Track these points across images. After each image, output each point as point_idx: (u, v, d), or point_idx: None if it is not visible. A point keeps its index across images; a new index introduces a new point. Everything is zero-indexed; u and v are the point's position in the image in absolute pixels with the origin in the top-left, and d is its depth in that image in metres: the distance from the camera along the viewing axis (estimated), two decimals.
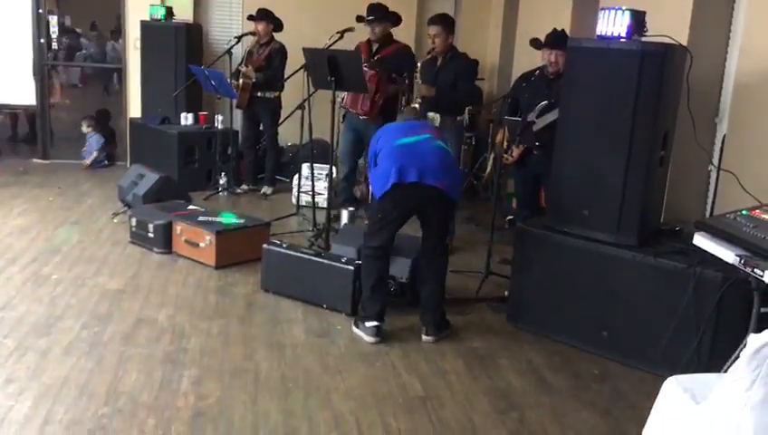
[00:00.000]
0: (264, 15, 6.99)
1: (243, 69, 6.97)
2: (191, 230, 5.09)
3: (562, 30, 5.35)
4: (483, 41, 8.77)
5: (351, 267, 4.23)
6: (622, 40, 3.65)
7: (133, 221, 5.40)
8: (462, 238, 5.86)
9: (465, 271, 5.06)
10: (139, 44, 7.90)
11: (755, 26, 4.18)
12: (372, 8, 5.95)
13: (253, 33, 7.09)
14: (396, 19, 6.02)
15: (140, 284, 4.65)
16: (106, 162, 8.21)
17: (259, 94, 7.01)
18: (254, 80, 6.90)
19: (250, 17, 7.07)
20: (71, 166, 8.04)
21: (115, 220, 5.96)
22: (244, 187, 7.37)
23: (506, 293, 4.48)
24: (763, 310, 3.15)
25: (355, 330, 4.04)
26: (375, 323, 3.96)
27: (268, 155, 7.38)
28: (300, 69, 5.80)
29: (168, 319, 4.12)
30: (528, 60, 6.39)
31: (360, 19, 5.92)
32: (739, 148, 4.19)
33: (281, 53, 6.96)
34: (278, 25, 7.08)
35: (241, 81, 6.93)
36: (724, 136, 4.35)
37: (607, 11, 3.69)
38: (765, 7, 4.08)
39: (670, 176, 4.34)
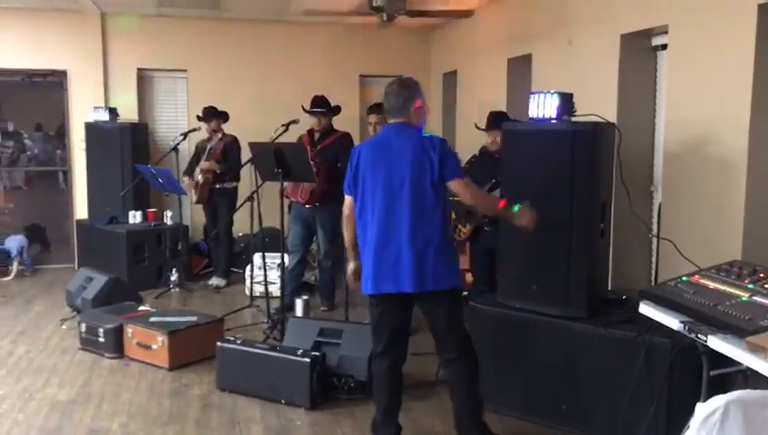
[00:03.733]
0: (211, 114, 7.11)
1: (203, 165, 6.99)
2: (143, 332, 4.99)
3: (502, 112, 5.57)
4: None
5: (308, 359, 4.19)
6: (553, 121, 3.82)
7: (82, 327, 5.28)
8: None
9: (423, 353, 5.03)
10: (84, 146, 7.92)
11: (677, 98, 4.42)
12: (319, 101, 6.11)
13: (196, 130, 7.19)
14: (338, 110, 6.20)
15: (92, 392, 4.51)
16: (29, 268, 7.86)
17: (218, 186, 7.05)
18: (217, 171, 6.94)
19: (199, 118, 7.17)
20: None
21: (64, 327, 5.81)
22: (216, 280, 7.32)
23: None
24: (712, 373, 3.23)
25: None
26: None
27: (222, 245, 7.36)
28: (247, 162, 5.88)
29: (122, 428, 3.99)
30: (468, 139, 6.60)
31: (312, 111, 6.05)
32: (675, 215, 4.36)
33: (235, 145, 7.05)
34: (225, 118, 7.20)
35: (200, 176, 6.96)
36: (660, 204, 4.53)
37: (536, 94, 3.86)
38: (684, 80, 4.33)
39: (614, 245, 4.47)
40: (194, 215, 8.11)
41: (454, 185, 3.43)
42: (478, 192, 3.64)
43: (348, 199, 3.65)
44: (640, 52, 4.92)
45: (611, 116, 4.40)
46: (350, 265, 3.77)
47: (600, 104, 4.18)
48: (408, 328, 3.70)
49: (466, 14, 6.45)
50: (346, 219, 3.69)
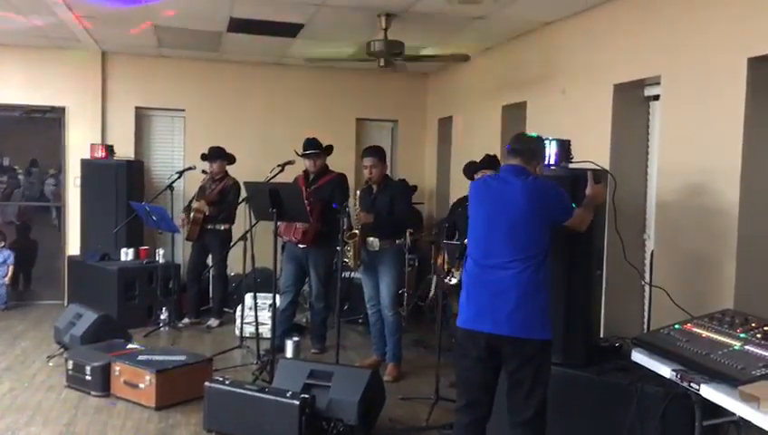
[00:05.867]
0: (217, 155, 7.14)
1: (195, 204, 7.05)
2: (130, 370, 4.93)
3: (494, 155, 5.63)
4: (420, 167, 9.12)
5: (297, 402, 4.13)
6: (552, 167, 3.84)
7: (70, 364, 5.21)
8: (410, 363, 5.83)
9: (414, 397, 5.00)
10: (79, 182, 7.93)
11: (669, 148, 4.48)
12: (312, 143, 6.14)
13: (191, 168, 7.22)
14: (330, 150, 6.24)
15: (76, 431, 4.43)
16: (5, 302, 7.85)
17: (210, 227, 7.06)
18: (206, 213, 6.97)
19: (203, 157, 7.19)
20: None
21: (50, 364, 5.73)
22: (186, 320, 7.22)
23: None
24: (705, 423, 3.20)
25: None
26: None
27: (216, 286, 7.32)
28: (241, 201, 5.89)
29: None
30: (463, 183, 6.63)
31: (305, 154, 6.08)
32: (667, 263, 4.37)
33: (234, 188, 7.07)
34: (231, 161, 7.24)
35: (192, 214, 7.00)
36: (653, 252, 4.54)
37: None
38: (676, 130, 4.39)
39: (607, 293, 4.46)
40: (186, 253, 8.08)
41: (569, 223, 3.47)
42: (578, 217, 3.52)
43: None
44: (633, 101, 5.00)
45: (604, 164, 4.44)
46: None
47: (593, 152, 4.22)
48: (496, 381, 3.48)
49: (463, 58, 6.55)
50: None
